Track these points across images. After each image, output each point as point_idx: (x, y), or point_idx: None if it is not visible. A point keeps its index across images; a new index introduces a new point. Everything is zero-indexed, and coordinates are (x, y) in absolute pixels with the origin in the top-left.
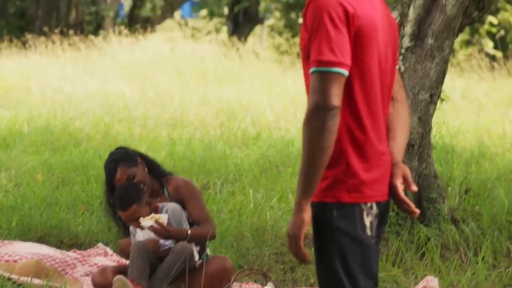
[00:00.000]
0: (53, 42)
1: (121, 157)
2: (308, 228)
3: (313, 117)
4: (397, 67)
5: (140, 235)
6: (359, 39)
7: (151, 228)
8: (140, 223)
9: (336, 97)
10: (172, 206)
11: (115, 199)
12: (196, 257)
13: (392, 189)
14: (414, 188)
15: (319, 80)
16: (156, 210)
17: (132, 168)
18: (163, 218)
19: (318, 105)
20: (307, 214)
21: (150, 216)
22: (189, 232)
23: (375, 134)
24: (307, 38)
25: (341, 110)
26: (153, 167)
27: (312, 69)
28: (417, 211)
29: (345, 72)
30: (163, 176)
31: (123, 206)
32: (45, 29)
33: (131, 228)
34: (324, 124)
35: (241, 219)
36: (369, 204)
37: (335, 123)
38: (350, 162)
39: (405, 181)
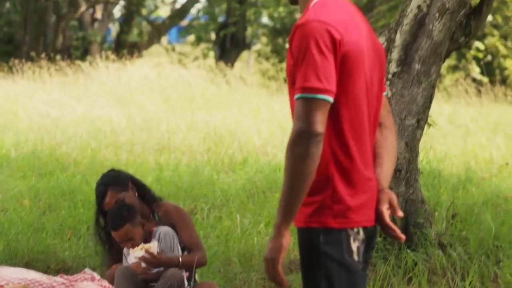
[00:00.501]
0: (40, 67)
1: (112, 181)
2: (286, 253)
3: (296, 143)
4: (384, 93)
5: (133, 258)
6: (345, 65)
7: (141, 258)
8: (133, 243)
9: (320, 124)
10: (165, 230)
11: (107, 220)
12: (186, 283)
13: (378, 215)
14: (400, 213)
15: (303, 107)
16: (150, 234)
17: (121, 192)
18: (153, 247)
19: (302, 131)
20: (286, 239)
21: (140, 246)
22: (180, 259)
23: (361, 160)
24: (292, 64)
25: (327, 136)
26: (144, 192)
27: (297, 95)
28: (403, 236)
29: (330, 99)
30: (154, 202)
31: (116, 225)
32: (32, 54)
33: (124, 250)
34: (307, 150)
35: (228, 245)
36: (355, 229)
37: (318, 150)
38: (336, 188)
39: (391, 207)
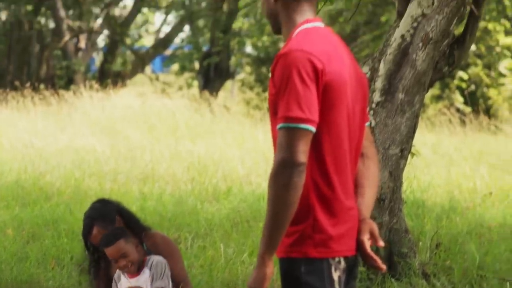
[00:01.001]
0: (24, 97)
1: (98, 215)
2: (270, 282)
3: (279, 173)
4: (367, 123)
5: (124, 285)
6: (327, 95)
7: None
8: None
9: (302, 154)
10: (157, 259)
11: (100, 242)
12: None
13: (359, 244)
14: (381, 243)
15: (286, 136)
16: (143, 262)
17: (108, 227)
18: (141, 280)
19: (285, 161)
20: (269, 269)
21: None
22: None
23: (342, 189)
24: (274, 94)
25: (308, 166)
26: (131, 222)
27: (279, 125)
28: (384, 267)
29: (313, 128)
30: (142, 231)
31: (109, 241)
32: (16, 83)
33: (115, 275)
34: (290, 180)
35: (212, 274)
36: (337, 259)
37: (301, 179)
38: (317, 217)
39: (372, 236)
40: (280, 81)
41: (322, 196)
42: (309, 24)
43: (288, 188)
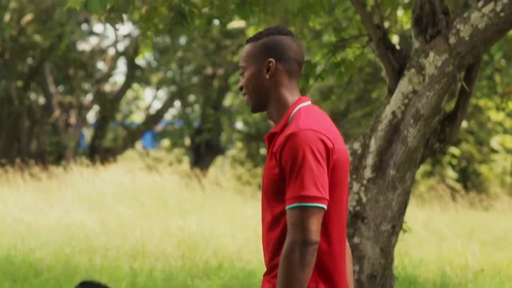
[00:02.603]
0: (14, 172)
1: None
2: None
3: (294, 252)
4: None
5: None
6: (335, 173)
7: None
8: None
9: (317, 233)
10: None
11: None
12: None
13: None
14: None
15: (301, 215)
16: None
17: None
18: None
19: (301, 240)
20: None
21: None
22: None
23: (343, 264)
24: (278, 173)
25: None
26: None
27: (293, 204)
28: None
29: (326, 207)
30: None
31: None
32: (6, 159)
33: None
34: (305, 259)
35: None
36: None
37: (314, 258)
38: None
39: None
40: (291, 160)
41: (326, 273)
42: (305, 103)
43: (303, 267)
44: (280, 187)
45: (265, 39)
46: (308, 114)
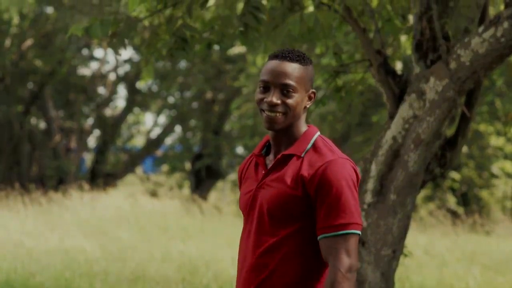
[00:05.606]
0: (15, 196)
1: None
2: None
3: (347, 279)
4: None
5: None
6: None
7: None
8: None
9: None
10: None
11: None
12: None
13: None
14: None
15: (352, 242)
16: None
17: None
18: None
19: (353, 266)
20: None
21: None
22: None
23: None
24: (298, 196)
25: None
26: None
27: (342, 231)
28: None
29: None
30: None
31: None
32: (7, 183)
33: None
34: (354, 284)
35: None
36: None
37: None
38: None
39: None
40: (328, 189)
41: None
42: (317, 131)
43: None
44: (296, 209)
45: (311, 67)
46: (330, 142)
